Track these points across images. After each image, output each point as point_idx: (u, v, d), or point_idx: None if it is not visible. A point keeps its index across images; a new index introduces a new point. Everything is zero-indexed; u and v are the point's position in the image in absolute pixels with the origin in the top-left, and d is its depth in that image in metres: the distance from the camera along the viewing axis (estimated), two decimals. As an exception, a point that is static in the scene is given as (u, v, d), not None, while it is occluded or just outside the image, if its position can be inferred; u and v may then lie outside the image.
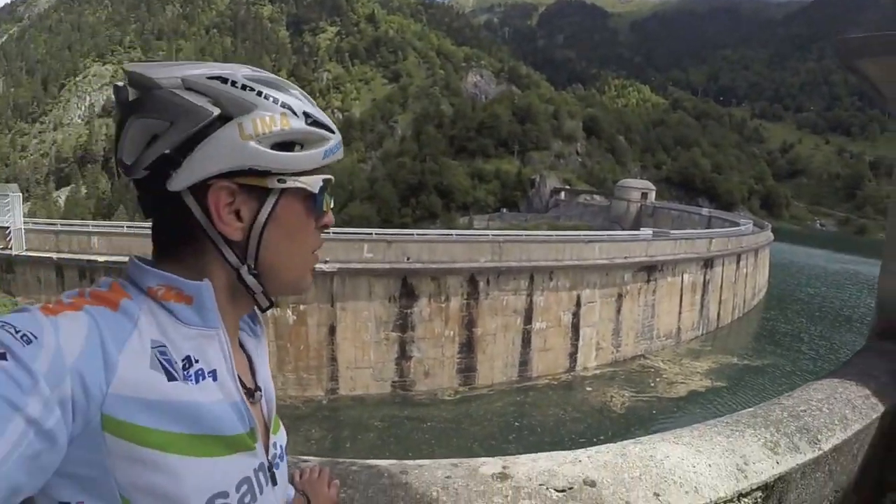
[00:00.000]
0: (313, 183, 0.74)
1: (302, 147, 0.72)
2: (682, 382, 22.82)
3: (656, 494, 1.41)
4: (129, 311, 0.63)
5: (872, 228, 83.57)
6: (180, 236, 0.71)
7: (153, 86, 0.66)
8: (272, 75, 0.73)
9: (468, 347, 21.00)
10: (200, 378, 0.66)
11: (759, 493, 1.59)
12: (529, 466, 1.44)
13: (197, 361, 0.66)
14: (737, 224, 38.84)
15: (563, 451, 1.54)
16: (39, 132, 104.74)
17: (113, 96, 0.70)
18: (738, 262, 31.77)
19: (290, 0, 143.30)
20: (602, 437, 16.90)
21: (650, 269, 25.07)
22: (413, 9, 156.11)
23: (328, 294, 19.12)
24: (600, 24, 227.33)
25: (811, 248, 62.40)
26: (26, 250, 18.86)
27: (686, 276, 27.07)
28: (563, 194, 69.18)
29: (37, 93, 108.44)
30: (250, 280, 0.73)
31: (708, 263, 28.40)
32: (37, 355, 0.52)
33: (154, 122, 0.66)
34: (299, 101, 0.73)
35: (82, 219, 53.25)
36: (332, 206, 0.79)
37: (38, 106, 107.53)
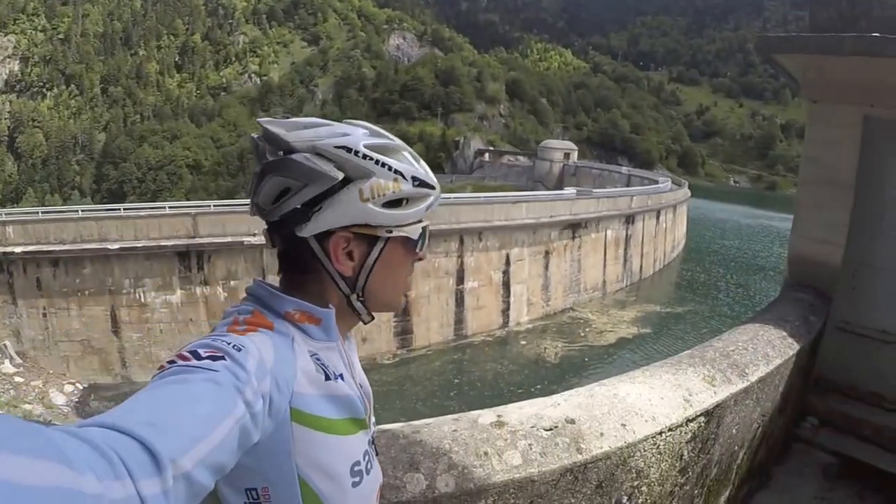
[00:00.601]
0: (414, 231, 0.91)
1: (408, 202, 0.88)
2: (610, 331, 24.16)
3: (623, 425, 1.70)
4: (283, 331, 0.80)
5: (783, 184, 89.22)
6: (305, 270, 0.87)
7: (290, 149, 0.82)
8: (387, 140, 0.88)
9: (403, 310, 21.20)
10: (338, 378, 0.84)
11: (702, 419, 1.92)
12: (519, 413, 1.67)
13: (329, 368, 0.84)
14: (655, 182, 40.40)
15: (542, 398, 1.79)
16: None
17: (251, 147, 0.87)
18: (657, 217, 33.49)
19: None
20: (539, 387, 17.74)
21: (575, 227, 26.05)
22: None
23: (259, 268, 18.86)
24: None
25: (726, 203, 66.07)
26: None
27: (609, 232, 28.33)
28: (487, 155, 69.74)
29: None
30: (358, 305, 0.91)
31: (629, 219, 29.78)
32: (247, 358, 0.67)
33: (290, 180, 0.82)
34: (409, 165, 0.88)
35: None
36: (427, 244, 0.97)
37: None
